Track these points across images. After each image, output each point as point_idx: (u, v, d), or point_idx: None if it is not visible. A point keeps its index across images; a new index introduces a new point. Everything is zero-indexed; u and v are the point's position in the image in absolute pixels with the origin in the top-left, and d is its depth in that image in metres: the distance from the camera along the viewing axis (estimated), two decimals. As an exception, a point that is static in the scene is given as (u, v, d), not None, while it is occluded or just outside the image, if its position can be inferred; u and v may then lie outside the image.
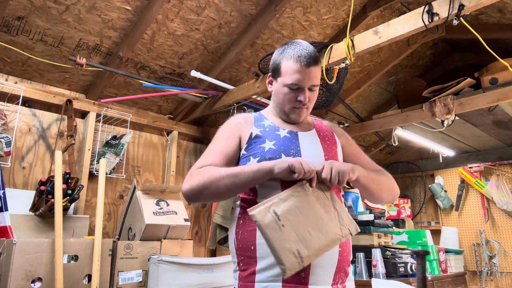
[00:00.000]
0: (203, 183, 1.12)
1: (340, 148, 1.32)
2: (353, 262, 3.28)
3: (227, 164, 1.20)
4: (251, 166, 1.12)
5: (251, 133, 1.24)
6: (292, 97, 1.24)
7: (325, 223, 1.05)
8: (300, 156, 1.17)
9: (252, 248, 1.12)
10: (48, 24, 2.08)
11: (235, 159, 1.24)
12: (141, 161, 2.83)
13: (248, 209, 1.04)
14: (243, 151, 1.23)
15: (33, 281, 1.72)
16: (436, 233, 4.27)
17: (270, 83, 1.33)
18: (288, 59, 1.23)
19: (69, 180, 2.07)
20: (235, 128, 1.27)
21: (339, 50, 2.05)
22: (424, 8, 1.70)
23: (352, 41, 1.98)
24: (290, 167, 1.04)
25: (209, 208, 3.17)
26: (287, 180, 1.09)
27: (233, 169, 1.13)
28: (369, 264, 3.17)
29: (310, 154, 1.19)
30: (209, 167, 1.16)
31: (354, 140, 1.42)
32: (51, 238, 1.84)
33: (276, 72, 1.28)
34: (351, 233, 1.09)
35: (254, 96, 2.57)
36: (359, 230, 1.12)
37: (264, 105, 2.70)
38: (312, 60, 1.22)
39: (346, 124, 3.39)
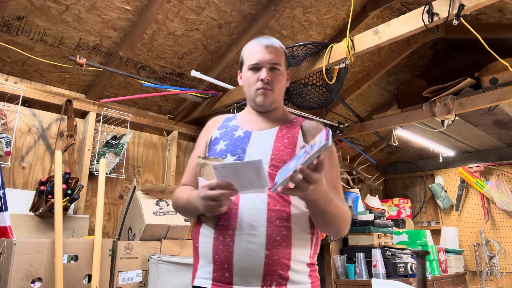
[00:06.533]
0: (175, 208, 1.32)
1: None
2: (351, 262, 3.28)
3: None
4: (190, 197, 1.17)
5: (211, 136, 1.30)
6: (255, 79, 1.26)
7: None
8: (244, 155, 1.18)
9: (196, 245, 1.19)
10: (48, 24, 2.08)
11: None
12: (141, 161, 2.83)
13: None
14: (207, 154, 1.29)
15: (33, 281, 1.72)
16: (436, 233, 4.28)
17: (241, 78, 1.36)
18: (249, 46, 1.32)
19: (69, 180, 2.07)
20: (206, 133, 1.35)
21: (339, 50, 2.05)
22: (424, 8, 1.70)
23: (352, 41, 1.98)
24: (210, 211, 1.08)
25: (209, 208, 3.17)
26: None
27: (184, 199, 1.22)
28: (369, 264, 3.17)
29: (255, 154, 1.18)
30: (179, 191, 1.28)
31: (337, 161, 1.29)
32: (51, 238, 1.84)
33: (242, 63, 1.34)
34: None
35: (254, 96, 2.57)
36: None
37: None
38: (270, 42, 1.28)
39: (346, 124, 3.39)
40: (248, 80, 1.28)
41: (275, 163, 1.15)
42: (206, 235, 1.15)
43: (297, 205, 1.14)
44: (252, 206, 1.11)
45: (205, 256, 1.14)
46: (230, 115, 1.40)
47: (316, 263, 1.23)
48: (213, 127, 1.35)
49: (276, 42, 1.30)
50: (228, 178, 1.00)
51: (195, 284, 1.16)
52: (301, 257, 1.14)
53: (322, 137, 0.88)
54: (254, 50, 1.27)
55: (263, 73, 1.24)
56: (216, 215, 1.12)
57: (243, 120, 1.33)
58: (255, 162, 0.96)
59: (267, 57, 1.25)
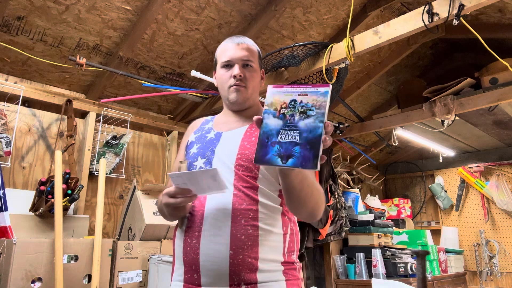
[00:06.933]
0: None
1: None
2: (351, 262, 3.28)
3: None
4: (162, 201, 1.16)
5: (188, 141, 1.32)
6: (228, 76, 1.26)
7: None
8: (213, 156, 1.19)
9: (174, 248, 1.20)
10: (48, 24, 2.08)
11: None
12: (141, 161, 2.83)
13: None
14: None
15: (33, 281, 1.72)
16: (436, 233, 4.28)
17: (215, 78, 1.36)
18: (222, 45, 1.32)
19: (69, 180, 2.07)
20: (185, 138, 1.37)
21: (339, 50, 2.05)
22: (424, 8, 1.71)
23: (352, 41, 1.98)
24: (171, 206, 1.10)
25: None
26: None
27: (158, 201, 1.22)
28: (369, 264, 3.17)
29: (222, 155, 1.19)
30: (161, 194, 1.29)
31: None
32: (51, 238, 1.84)
33: (215, 63, 1.34)
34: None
35: (254, 96, 2.57)
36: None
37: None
38: (241, 39, 1.28)
39: (346, 124, 3.39)
40: (221, 78, 1.28)
41: (241, 162, 1.15)
42: (179, 237, 1.17)
43: (266, 202, 1.13)
44: (217, 206, 1.11)
45: (178, 258, 1.16)
46: (208, 117, 1.40)
47: (296, 261, 1.19)
48: (191, 132, 1.36)
49: (249, 41, 1.30)
50: (186, 185, 1.03)
51: (171, 286, 1.18)
52: (272, 256, 1.11)
53: (314, 87, 0.89)
54: (226, 48, 1.28)
55: (236, 70, 1.23)
56: (183, 217, 1.17)
57: (217, 122, 1.34)
58: (210, 171, 0.98)
59: (239, 54, 1.25)
